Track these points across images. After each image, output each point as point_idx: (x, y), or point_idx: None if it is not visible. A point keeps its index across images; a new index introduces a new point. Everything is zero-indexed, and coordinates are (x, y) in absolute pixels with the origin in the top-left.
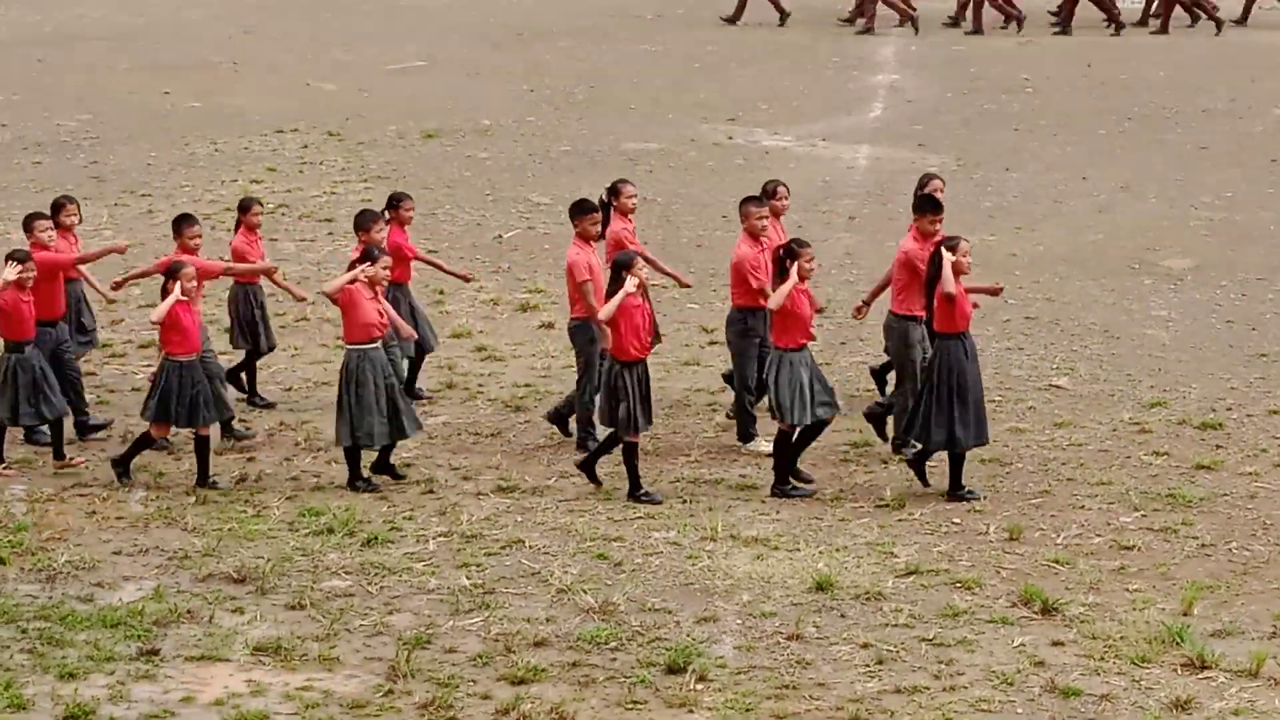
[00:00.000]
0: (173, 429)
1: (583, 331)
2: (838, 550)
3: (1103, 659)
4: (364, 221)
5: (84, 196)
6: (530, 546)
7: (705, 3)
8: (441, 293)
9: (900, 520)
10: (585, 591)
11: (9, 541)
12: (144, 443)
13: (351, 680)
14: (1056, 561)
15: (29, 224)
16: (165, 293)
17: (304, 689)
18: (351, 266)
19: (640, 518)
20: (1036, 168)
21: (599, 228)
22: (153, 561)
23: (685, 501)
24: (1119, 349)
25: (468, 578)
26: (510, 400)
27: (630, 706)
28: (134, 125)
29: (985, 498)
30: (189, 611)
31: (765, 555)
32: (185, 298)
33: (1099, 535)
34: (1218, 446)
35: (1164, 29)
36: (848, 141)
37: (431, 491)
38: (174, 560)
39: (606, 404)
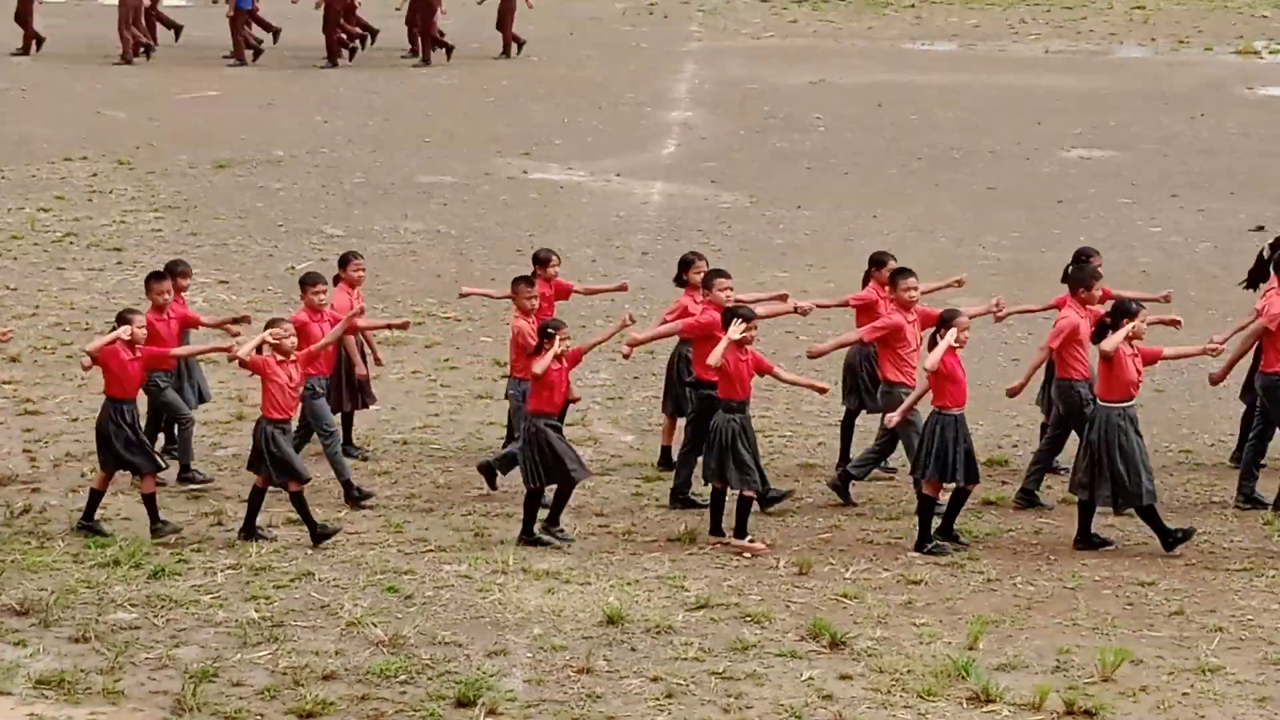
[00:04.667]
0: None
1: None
2: (629, 584)
3: (890, 692)
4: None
5: None
6: (320, 579)
7: (501, 37)
8: (235, 321)
9: (691, 554)
10: (375, 624)
11: None
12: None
13: (136, 714)
14: (845, 595)
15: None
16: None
17: None
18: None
19: (431, 550)
20: (828, 206)
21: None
22: None
23: (477, 534)
24: None
25: (256, 610)
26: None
27: None
28: None
29: (768, 541)
30: None
31: (556, 589)
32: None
33: (887, 570)
34: (1003, 483)
35: (425, 60)
36: (642, 177)
37: (220, 523)
38: None
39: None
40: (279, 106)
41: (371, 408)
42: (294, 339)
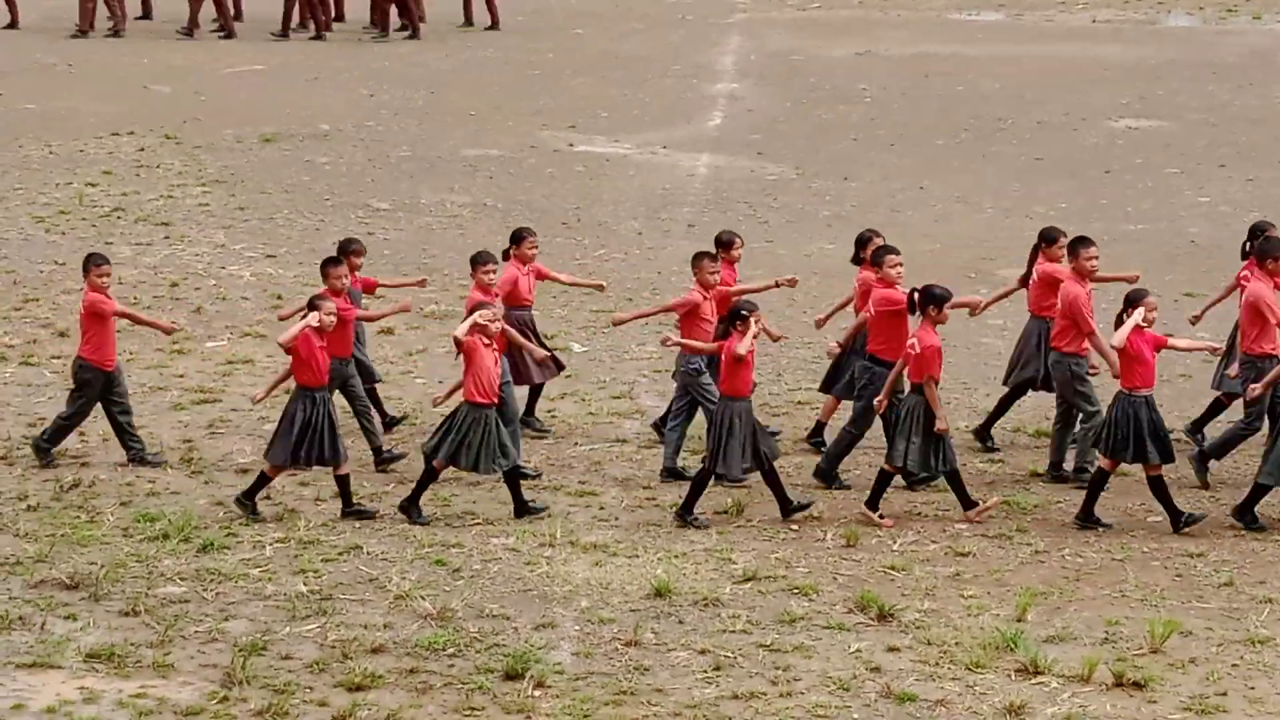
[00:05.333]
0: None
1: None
2: (676, 556)
3: (938, 664)
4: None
5: None
6: (368, 552)
7: (544, 10)
8: (279, 297)
9: (738, 526)
10: (423, 598)
11: None
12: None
13: (186, 687)
14: (892, 568)
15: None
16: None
17: (138, 696)
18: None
19: (479, 524)
20: (874, 177)
21: None
22: None
23: None
24: (955, 357)
25: (305, 584)
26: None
27: (468, 713)
28: None
29: (820, 507)
30: (20, 618)
31: (604, 561)
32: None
33: (935, 542)
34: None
35: (384, 32)
36: (688, 150)
37: (268, 497)
38: (5, 566)
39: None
40: (324, 80)
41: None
42: (500, 323)
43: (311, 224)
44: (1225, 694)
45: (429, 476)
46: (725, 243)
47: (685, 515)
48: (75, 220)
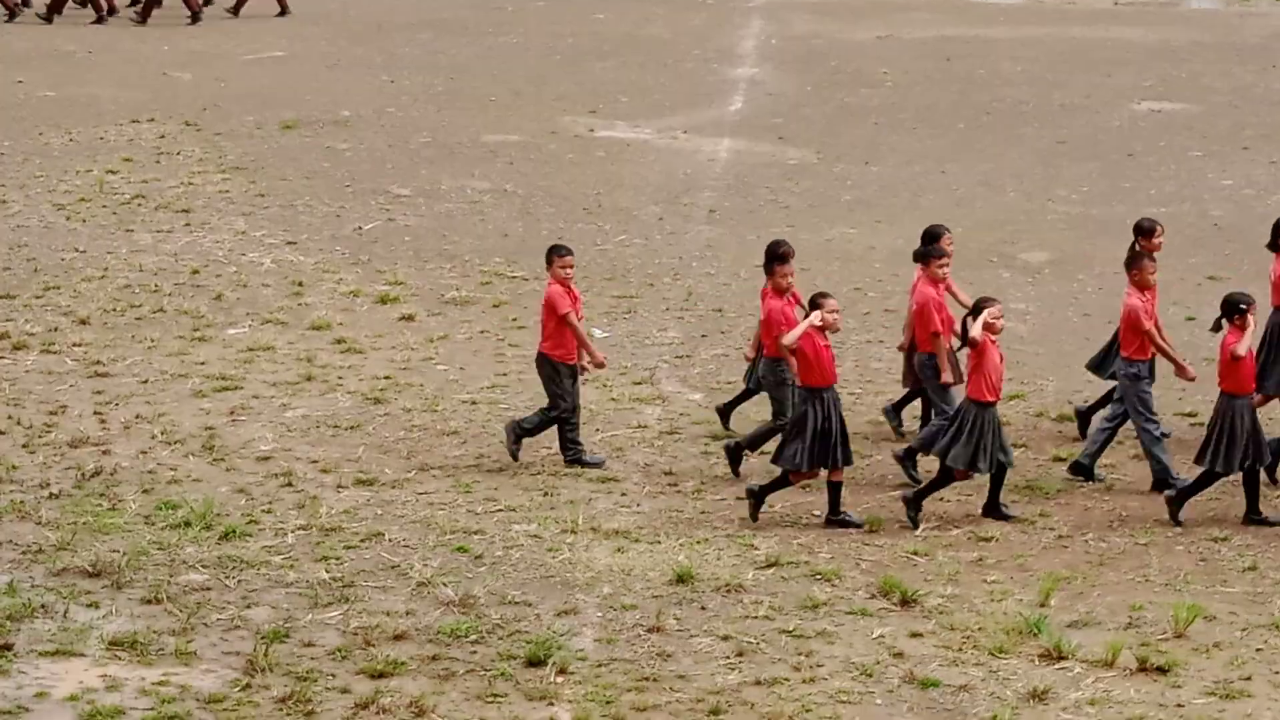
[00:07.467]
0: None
1: None
2: (698, 542)
3: (961, 650)
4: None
5: None
6: (390, 539)
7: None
8: (300, 284)
9: (761, 512)
10: (445, 585)
11: None
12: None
13: (209, 675)
14: (915, 553)
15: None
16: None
17: (160, 684)
18: None
19: (501, 510)
20: (896, 161)
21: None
22: (6, 556)
23: (546, 494)
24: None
25: (327, 571)
26: (370, 393)
27: (490, 699)
28: None
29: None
30: (43, 606)
31: (626, 548)
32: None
33: (957, 527)
34: (1074, 439)
35: (196, 18)
36: (708, 134)
37: (290, 484)
38: (28, 554)
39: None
40: (344, 67)
41: None
42: (1003, 320)
43: (332, 210)
44: (1249, 678)
45: (945, 478)
46: (1146, 230)
47: (1175, 509)
48: (96, 208)
